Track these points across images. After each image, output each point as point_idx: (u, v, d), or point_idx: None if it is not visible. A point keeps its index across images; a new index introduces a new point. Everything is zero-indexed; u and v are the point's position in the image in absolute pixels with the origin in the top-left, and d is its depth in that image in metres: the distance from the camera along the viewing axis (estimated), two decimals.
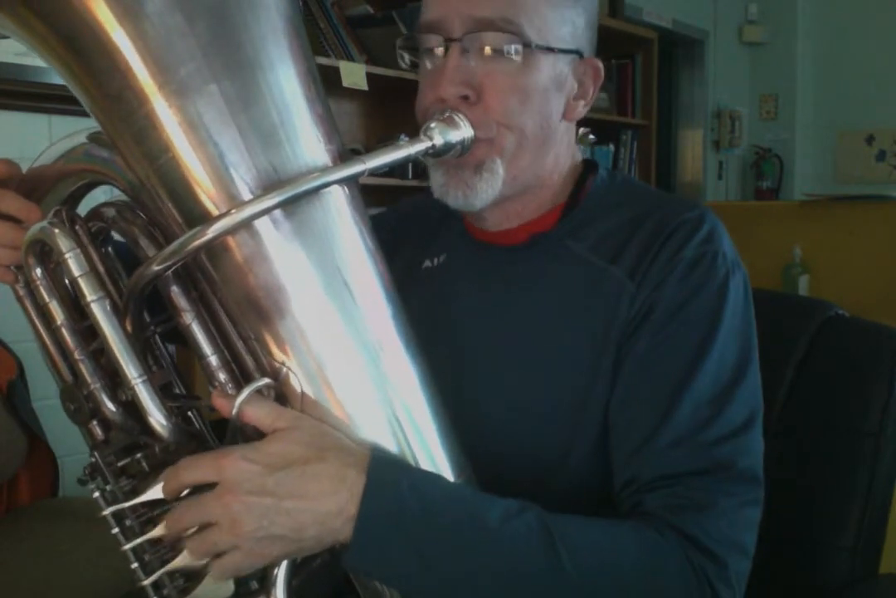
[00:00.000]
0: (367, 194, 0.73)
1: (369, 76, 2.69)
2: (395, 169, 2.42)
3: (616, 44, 3.90)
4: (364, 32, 2.88)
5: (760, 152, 5.45)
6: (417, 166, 2.85)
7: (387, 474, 0.67)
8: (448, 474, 0.74)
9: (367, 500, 0.65)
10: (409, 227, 1.03)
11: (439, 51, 0.83)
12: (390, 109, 3.15)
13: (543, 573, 0.69)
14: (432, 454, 0.73)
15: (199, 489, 0.65)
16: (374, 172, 0.68)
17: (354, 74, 2.65)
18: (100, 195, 0.82)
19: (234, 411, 0.65)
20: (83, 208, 0.79)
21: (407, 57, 0.88)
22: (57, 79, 2.45)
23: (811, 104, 5.40)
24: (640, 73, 4.15)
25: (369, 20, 2.88)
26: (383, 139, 2.97)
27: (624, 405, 0.82)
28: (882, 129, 5.14)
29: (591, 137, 3.74)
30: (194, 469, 0.65)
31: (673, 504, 0.76)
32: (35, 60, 2.20)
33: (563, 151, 0.91)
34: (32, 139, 2.19)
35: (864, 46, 5.13)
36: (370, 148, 2.90)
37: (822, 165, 5.38)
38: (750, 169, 5.52)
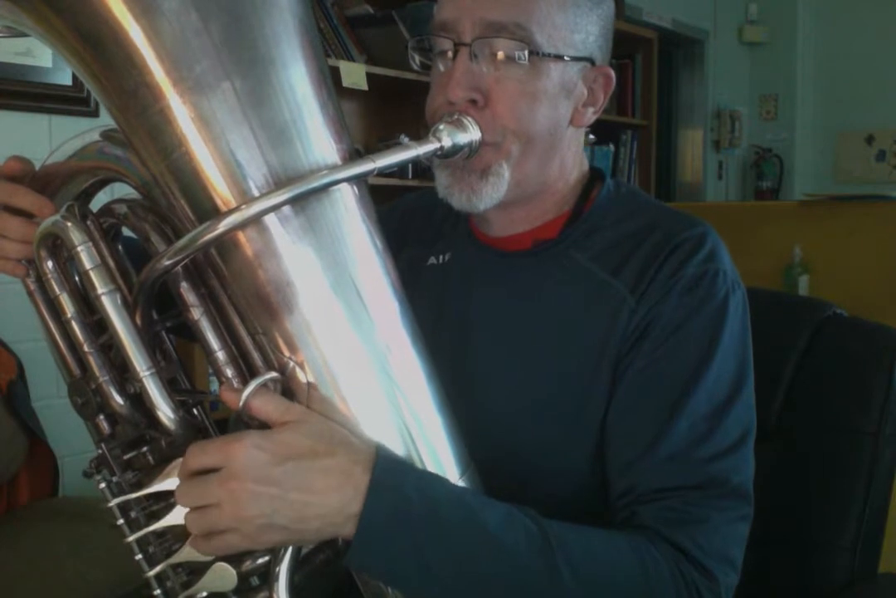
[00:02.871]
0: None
1: (369, 76, 2.69)
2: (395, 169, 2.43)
3: (616, 44, 3.86)
4: (364, 32, 2.88)
5: (760, 152, 5.45)
6: (418, 166, 2.86)
7: (392, 474, 0.67)
8: (452, 471, 0.74)
9: (371, 499, 0.65)
10: (413, 223, 1.04)
11: (451, 54, 0.84)
12: (390, 109, 3.15)
13: (540, 580, 0.70)
14: (436, 451, 0.74)
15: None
16: (380, 172, 0.69)
17: (354, 74, 2.65)
18: (102, 197, 0.82)
19: (241, 403, 0.66)
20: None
21: (417, 58, 0.89)
22: (57, 79, 2.44)
23: (811, 104, 5.40)
24: (640, 73, 4.15)
25: (369, 20, 2.88)
26: (383, 139, 2.97)
27: (621, 418, 0.83)
28: (882, 129, 5.14)
29: (591, 136, 3.74)
30: (202, 454, 0.65)
31: (667, 517, 0.77)
32: (35, 60, 2.20)
33: (569, 157, 0.91)
34: (32, 139, 2.19)
35: (864, 46, 5.13)
36: (370, 148, 2.91)
37: (822, 165, 5.38)
38: (750, 169, 5.52)
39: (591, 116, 0.91)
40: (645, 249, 0.86)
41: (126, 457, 0.74)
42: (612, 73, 0.90)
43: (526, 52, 0.81)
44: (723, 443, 0.80)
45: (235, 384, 0.70)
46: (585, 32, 0.85)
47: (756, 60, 5.50)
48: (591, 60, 0.87)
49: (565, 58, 0.84)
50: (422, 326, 0.76)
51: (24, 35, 0.72)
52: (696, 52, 5.16)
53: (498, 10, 0.81)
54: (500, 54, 0.82)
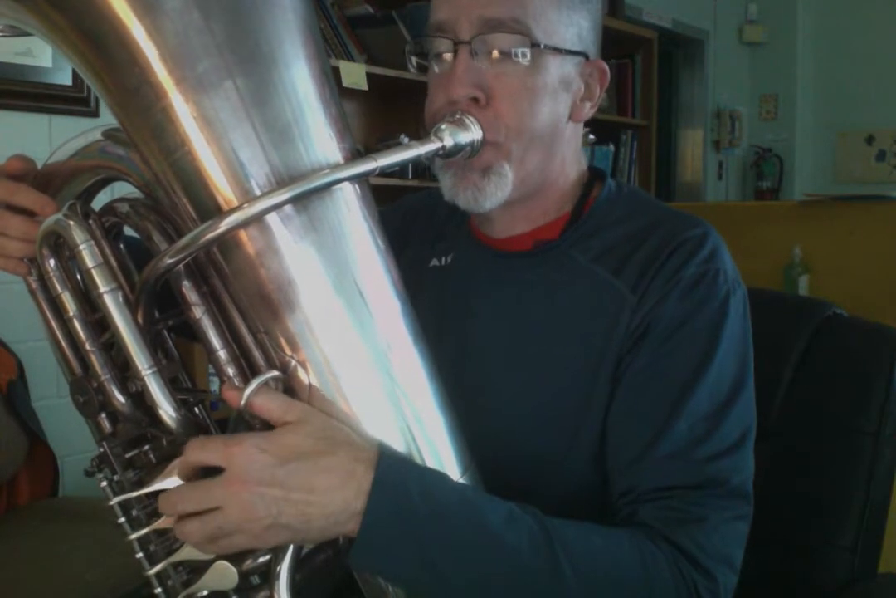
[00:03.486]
0: None
1: (369, 76, 2.69)
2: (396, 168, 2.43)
3: (616, 44, 3.90)
4: (364, 32, 2.88)
5: (760, 152, 5.45)
6: (418, 166, 2.86)
7: (395, 472, 0.67)
8: (453, 470, 0.74)
9: (375, 497, 0.65)
10: (415, 223, 1.04)
11: (448, 56, 0.84)
12: (390, 109, 3.15)
13: (542, 577, 0.70)
14: (438, 450, 0.74)
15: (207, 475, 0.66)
16: (381, 172, 0.69)
17: (354, 74, 2.65)
18: (103, 197, 0.82)
19: (243, 402, 0.66)
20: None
21: (415, 61, 0.89)
22: (57, 79, 2.45)
23: (811, 104, 5.41)
24: (640, 73, 4.15)
25: (369, 20, 2.88)
26: (383, 139, 2.98)
27: (622, 418, 0.83)
28: (882, 129, 5.15)
29: (591, 136, 3.74)
30: (201, 451, 0.65)
31: (667, 517, 0.78)
32: (35, 60, 2.20)
33: (569, 154, 0.92)
34: (32, 139, 2.19)
35: (864, 46, 5.14)
36: (370, 148, 2.91)
37: (822, 165, 5.39)
38: (750, 169, 5.53)
39: (588, 110, 0.91)
40: (646, 250, 0.86)
41: (127, 455, 0.74)
42: (606, 67, 0.90)
43: (526, 47, 0.81)
44: (723, 443, 0.80)
45: (237, 383, 0.70)
46: (578, 27, 0.86)
47: (756, 60, 5.50)
48: (585, 55, 0.87)
49: (563, 51, 0.84)
50: (424, 328, 0.76)
51: (27, 34, 0.72)
52: (696, 52, 5.16)
53: (494, 6, 0.81)
54: (500, 51, 0.82)
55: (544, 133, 0.86)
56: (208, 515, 0.64)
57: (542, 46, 0.82)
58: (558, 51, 0.84)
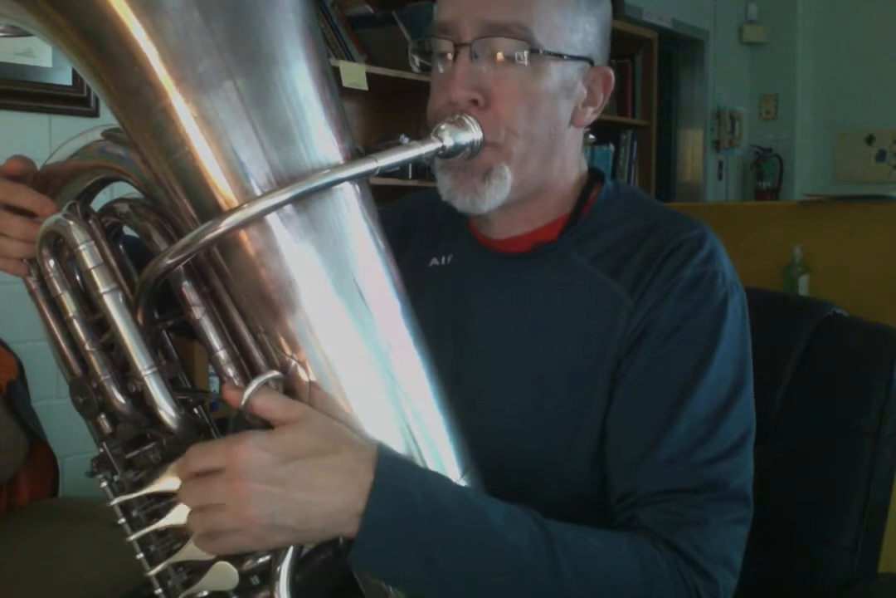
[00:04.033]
0: None
1: (369, 76, 2.70)
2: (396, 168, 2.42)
3: (616, 44, 3.87)
4: (364, 32, 2.89)
5: (760, 152, 5.45)
6: (418, 166, 2.86)
7: (395, 473, 0.67)
8: (454, 470, 0.74)
9: (375, 497, 0.65)
10: (415, 223, 1.04)
11: (450, 56, 0.84)
12: (390, 109, 3.15)
13: (542, 577, 0.70)
14: (438, 450, 0.74)
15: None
16: (381, 172, 0.69)
17: (354, 74, 2.65)
18: (102, 198, 0.83)
19: (243, 402, 0.66)
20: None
21: (418, 60, 0.89)
22: (57, 79, 2.45)
23: (811, 104, 5.41)
24: (640, 73, 4.15)
25: (369, 20, 2.89)
26: (383, 139, 2.98)
27: (621, 420, 0.83)
28: (882, 129, 5.15)
29: (591, 136, 3.74)
30: (204, 456, 0.65)
31: (666, 520, 0.78)
32: (35, 60, 2.20)
33: (569, 157, 0.92)
34: (32, 139, 2.20)
35: (864, 46, 5.14)
36: (370, 148, 2.91)
37: (822, 165, 5.39)
38: (750, 169, 5.53)
39: (590, 115, 0.91)
40: (644, 251, 0.86)
41: (128, 456, 0.74)
42: (612, 73, 0.90)
43: (526, 52, 0.81)
44: (722, 445, 0.80)
45: (237, 383, 0.70)
46: (584, 32, 0.86)
47: (756, 60, 5.50)
48: (590, 60, 0.87)
49: (565, 57, 0.84)
50: (424, 328, 0.76)
51: (27, 34, 0.72)
52: (696, 52, 5.16)
53: (497, 10, 0.81)
54: (501, 54, 0.82)
55: (544, 136, 0.86)
56: (207, 510, 0.64)
57: (542, 52, 0.82)
58: (560, 56, 0.84)
